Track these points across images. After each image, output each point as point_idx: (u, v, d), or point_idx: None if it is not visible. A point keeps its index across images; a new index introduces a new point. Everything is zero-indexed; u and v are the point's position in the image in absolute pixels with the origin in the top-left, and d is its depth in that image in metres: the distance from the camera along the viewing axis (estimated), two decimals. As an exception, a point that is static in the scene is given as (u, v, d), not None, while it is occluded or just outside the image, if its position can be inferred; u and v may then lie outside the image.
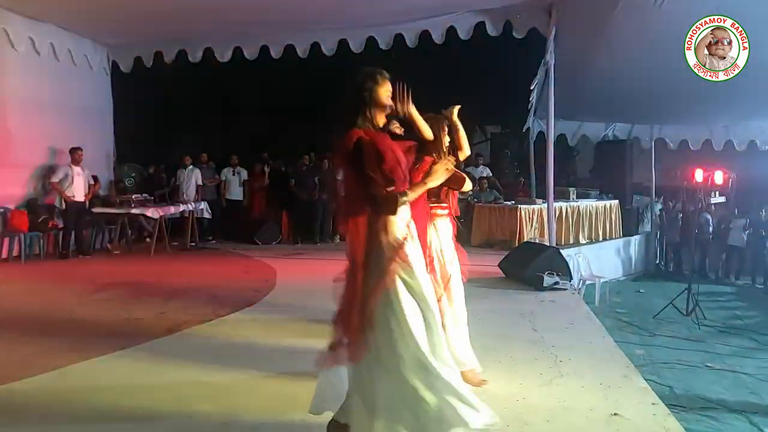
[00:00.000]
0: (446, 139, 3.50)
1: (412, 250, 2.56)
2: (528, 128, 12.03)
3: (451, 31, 8.88)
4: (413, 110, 2.78)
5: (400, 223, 2.55)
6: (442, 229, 3.60)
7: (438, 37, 8.95)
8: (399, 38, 9.13)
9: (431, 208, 3.52)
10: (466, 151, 3.61)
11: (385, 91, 2.63)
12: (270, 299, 6.07)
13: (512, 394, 3.49)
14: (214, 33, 9.77)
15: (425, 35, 9.01)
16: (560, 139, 12.43)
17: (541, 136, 11.14)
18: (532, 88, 9.98)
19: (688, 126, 12.42)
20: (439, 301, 3.10)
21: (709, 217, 12.22)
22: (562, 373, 3.86)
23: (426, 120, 2.96)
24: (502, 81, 13.13)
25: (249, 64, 10.15)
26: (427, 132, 2.94)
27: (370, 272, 2.47)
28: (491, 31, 8.76)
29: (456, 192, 3.67)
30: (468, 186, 3.52)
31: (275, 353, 4.24)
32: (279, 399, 3.37)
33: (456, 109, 3.52)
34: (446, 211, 3.64)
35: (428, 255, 3.34)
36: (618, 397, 3.46)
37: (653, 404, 3.38)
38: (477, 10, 8.72)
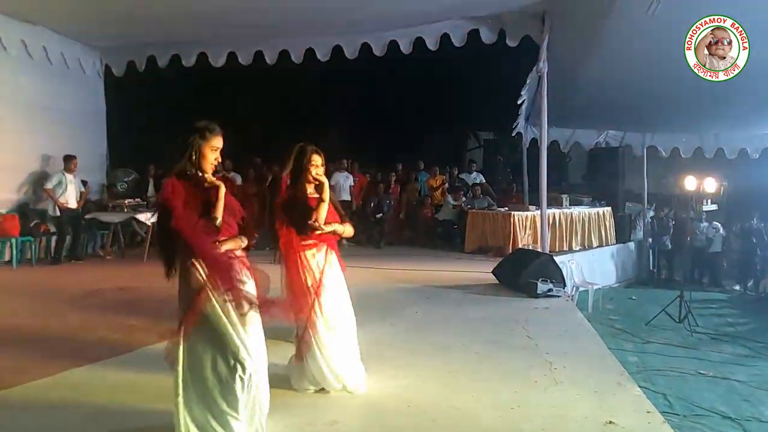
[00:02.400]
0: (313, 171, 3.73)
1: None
2: (520, 134, 12.08)
3: (445, 38, 8.91)
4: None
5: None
6: (311, 258, 3.71)
7: (432, 43, 8.98)
8: (393, 45, 9.15)
9: (301, 242, 3.71)
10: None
11: (210, 146, 2.91)
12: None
13: (507, 401, 3.49)
14: (208, 38, 9.76)
15: (419, 42, 9.04)
16: (553, 145, 12.48)
17: (534, 143, 11.17)
18: (522, 93, 10.01)
19: (679, 134, 12.50)
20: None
21: (700, 224, 12.30)
22: (556, 380, 3.86)
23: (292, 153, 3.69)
24: (496, 88, 13.17)
25: (243, 68, 10.14)
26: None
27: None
28: (485, 38, 8.79)
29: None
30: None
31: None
32: (276, 405, 3.34)
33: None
34: (312, 241, 3.73)
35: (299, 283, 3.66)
36: (613, 404, 3.46)
37: (648, 412, 3.38)
38: (471, 18, 8.75)
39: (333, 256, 3.80)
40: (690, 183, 9.12)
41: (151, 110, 13.14)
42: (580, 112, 10.92)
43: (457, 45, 8.91)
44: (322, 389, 3.61)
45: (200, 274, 2.82)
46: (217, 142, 2.95)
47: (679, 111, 9.94)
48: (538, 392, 3.65)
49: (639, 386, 3.88)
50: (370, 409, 3.42)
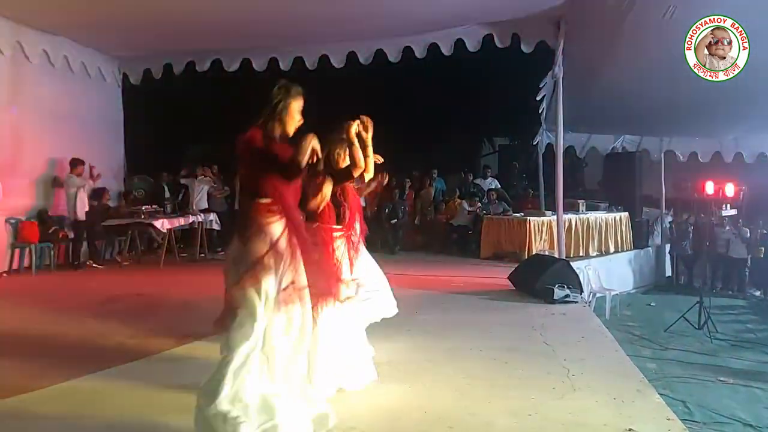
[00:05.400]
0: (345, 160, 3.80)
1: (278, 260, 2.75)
2: (537, 141, 12.05)
3: (459, 44, 8.90)
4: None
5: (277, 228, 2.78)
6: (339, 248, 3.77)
7: (446, 49, 8.97)
8: (408, 50, 9.16)
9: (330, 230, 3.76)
10: (361, 166, 3.70)
11: (299, 104, 2.90)
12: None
13: (524, 408, 3.45)
14: (223, 45, 9.84)
15: (434, 47, 9.03)
16: (569, 151, 12.41)
17: (550, 148, 11.12)
18: (538, 99, 9.98)
19: (697, 138, 12.38)
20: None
21: (720, 229, 12.14)
22: (574, 387, 3.82)
23: (324, 141, 3.38)
24: (511, 93, 13.14)
25: (258, 74, 10.20)
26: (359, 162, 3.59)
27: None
28: (499, 43, 8.78)
29: (353, 207, 3.93)
30: (357, 171, 3.69)
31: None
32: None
33: (354, 124, 3.67)
34: (340, 233, 3.82)
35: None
36: (632, 412, 3.41)
37: (668, 419, 3.33)
38: (485, 23, 8.74)
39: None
40: (709, 188, 9.04)
41: (167, 117, 13.27)
42: (597, 117, 10.86)
43: (472, 50, 8.90)
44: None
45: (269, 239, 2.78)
46: (301, 102, 2.92)
47: (698, 115, 9.85)
48: (556, 399, 3.61)
49: (658, 393, 3.83)
50: (386, 416, 3.40)
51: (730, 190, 9.17)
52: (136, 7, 7.88)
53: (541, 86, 9.59)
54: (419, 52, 9.12)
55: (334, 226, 3.79)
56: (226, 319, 2.84)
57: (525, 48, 8.66)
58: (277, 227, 2.80)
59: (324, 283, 3.01)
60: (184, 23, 8.51)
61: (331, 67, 9.68)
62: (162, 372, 4.11)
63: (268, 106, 2.85)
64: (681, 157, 12.85)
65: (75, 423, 3.31)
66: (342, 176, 3.75)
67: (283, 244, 2.79)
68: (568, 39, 8.19)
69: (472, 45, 8.85)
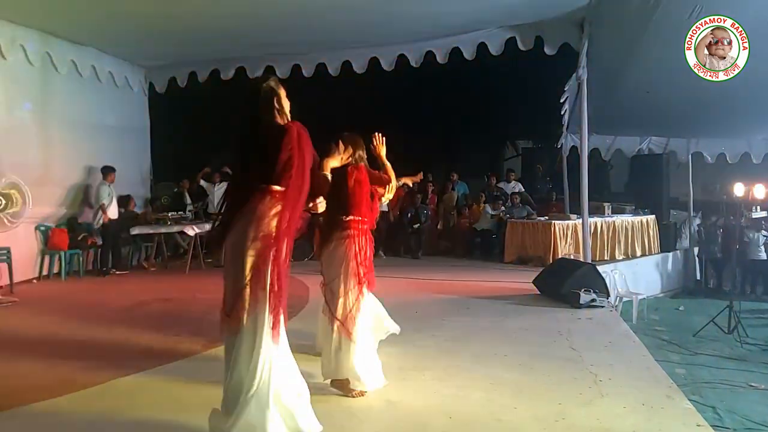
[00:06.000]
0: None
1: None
2: (561, 144, 11.96)
3: (481, 47, 8.88)
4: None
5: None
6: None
7: (469, 53, 8.95)
8: (429, 55, 9.16)
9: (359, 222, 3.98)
10: (393, 183, 4.20)
11: (283, 93, 3.09)
12: (303, 315, 6.08)
13: (551, 414, 3.42)
14: (247, 53, 9.95)
15: (456, 52, 9.02)
16: (594, 153, 12.28)
17: (574, 151, 11.02)
18: (562, 101, 9.90)
19: (725, 139, 12.17)
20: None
21: (749, 232, 11.90)
22: (602, 393, 3.77)
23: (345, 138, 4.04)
24: (534, 96, 13.06)
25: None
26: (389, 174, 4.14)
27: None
28: (522, 46, 8.73)
29: (375, 202, 4.22)
30: (391, 189, 4.21)
31: (310, 369, 4.23)
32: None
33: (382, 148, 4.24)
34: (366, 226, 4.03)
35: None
36: (662, 418, 3.36)
37: (698, 426, 3.28)
38: (507, 26, 8.71)
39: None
40: (738, 189, 8.88)
41: (191, 125, 13.43)
42: (622, 119, 10.74)
43: (494, 54, 8.87)
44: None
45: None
46: (284, 89, 3.10)
47: (725, 116, 9.69)
48: (584, 405, 3.57)
49: (688, 399, 3.77)
50: (412, 421, 3.39)
51: (759, 191, 8.97)
52: (161, 17, 8.02)
53: (565, 88, 9.51)
54: (441, 57, 9.11)
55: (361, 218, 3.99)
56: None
57: (548, 50, 8.61)
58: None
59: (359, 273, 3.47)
60: (208, 32, 8.62)
61: (352, 73, 9.72)
62: (191, 374, 4.16)
63: (265, 101, 3.01)
64: (709, 159, 12.62)
65: (107, 423, 3.37)
66: (377, 181, 4.09)
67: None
68: (592, 40, 8.12)
69: (494, 48, 8.82)
